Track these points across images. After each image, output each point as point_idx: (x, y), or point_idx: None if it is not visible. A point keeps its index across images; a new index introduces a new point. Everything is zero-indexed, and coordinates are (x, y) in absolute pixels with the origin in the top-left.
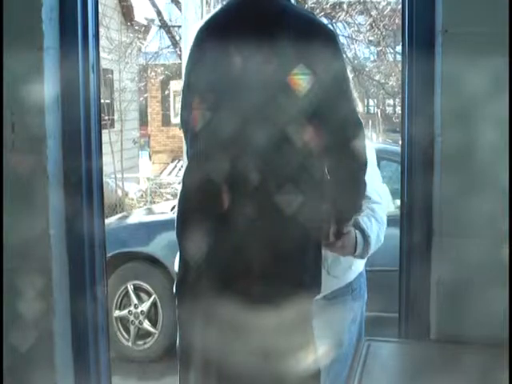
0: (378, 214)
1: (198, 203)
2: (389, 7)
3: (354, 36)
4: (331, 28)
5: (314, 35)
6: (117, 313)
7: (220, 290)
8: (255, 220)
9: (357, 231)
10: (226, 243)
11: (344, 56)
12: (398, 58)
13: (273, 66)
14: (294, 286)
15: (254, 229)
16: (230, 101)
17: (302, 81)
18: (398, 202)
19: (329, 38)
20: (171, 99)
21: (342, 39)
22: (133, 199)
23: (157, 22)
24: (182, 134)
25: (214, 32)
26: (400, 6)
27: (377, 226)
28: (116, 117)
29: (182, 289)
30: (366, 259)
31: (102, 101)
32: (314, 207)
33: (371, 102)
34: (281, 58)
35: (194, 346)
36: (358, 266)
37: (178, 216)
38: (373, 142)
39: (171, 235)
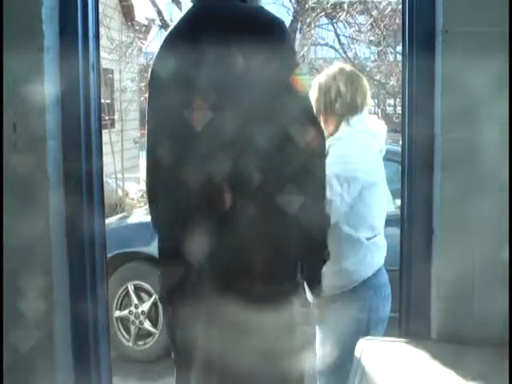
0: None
1: (173, 213)
2: (389, 7)
3: (354, 36)
4: (279, 19)
5: (264, 29)
6: (117, 313)
7: (207, 294)
8: (237, 224)
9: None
10: (211, 248)
11: (293, 46)
12: (399, 57)
13: (233, 65)
14: (274, 288)
15: (237, 234)
16: (206, 104)
17: (258, 75)
18: (399, 201)
19: (278, 30)
20: None
21: (342, 39)
22: (133, 199)
23: (157, 21)
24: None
25: (173, 43)
26: (400, 6)
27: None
28: (116, 117)
29: (171, 297)
30: (384, 254)
31: (103, 101)
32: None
33: (372, 102)
34: (235, 57)
35: (189, 348)
36: (375, 258)
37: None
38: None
39: None
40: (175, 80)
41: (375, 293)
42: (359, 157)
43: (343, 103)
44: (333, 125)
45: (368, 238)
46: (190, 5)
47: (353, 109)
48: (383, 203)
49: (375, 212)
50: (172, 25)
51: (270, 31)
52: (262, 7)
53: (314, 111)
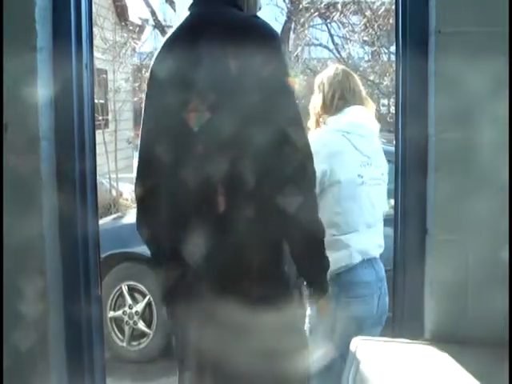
0: None
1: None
2: (383, 7)
3: (348, 36)
4: (273, 30)
5: (257, 38)
6: (111, 313)
7: (205, 296)
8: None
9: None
10: (206, 249)
11: (285, 56)
12: (393, 58)
13: (225, 71)
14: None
15: (230, 235)
16: (201, 109)
17: (246, 83)
18: (393, 201)
19: (270, 40)
20: None
21: (336, 39)
22: (127, 199)
23: (151, 21)
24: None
25: (171, 49)
26: (394, 7)
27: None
28: (110, 117)
29: (174, 298)
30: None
31: (96, 101)
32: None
33: (365, 101)
34: (228, 64)
35: (191, 350)
36: (338, 256)
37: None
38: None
39: None
40: (173, 84)
41: (341, 290)
42: (320, 157)
43: (324, 103)
44: (318, 124)
45: (331, 235)
46: (185, 5)
47: (331, 108)
48: (355, 201)
49: (340, 210)
50: (170, 31)
51: (263, 40)
52: (257, 16)
53: (300, 117)
